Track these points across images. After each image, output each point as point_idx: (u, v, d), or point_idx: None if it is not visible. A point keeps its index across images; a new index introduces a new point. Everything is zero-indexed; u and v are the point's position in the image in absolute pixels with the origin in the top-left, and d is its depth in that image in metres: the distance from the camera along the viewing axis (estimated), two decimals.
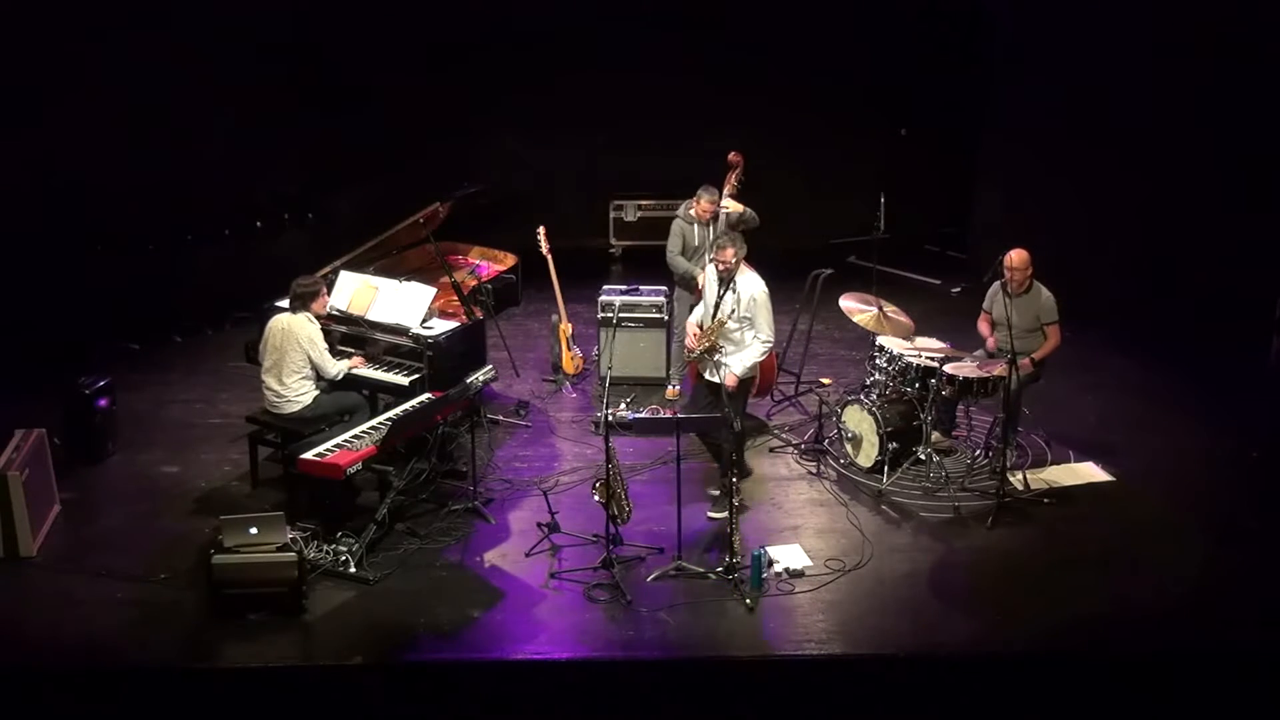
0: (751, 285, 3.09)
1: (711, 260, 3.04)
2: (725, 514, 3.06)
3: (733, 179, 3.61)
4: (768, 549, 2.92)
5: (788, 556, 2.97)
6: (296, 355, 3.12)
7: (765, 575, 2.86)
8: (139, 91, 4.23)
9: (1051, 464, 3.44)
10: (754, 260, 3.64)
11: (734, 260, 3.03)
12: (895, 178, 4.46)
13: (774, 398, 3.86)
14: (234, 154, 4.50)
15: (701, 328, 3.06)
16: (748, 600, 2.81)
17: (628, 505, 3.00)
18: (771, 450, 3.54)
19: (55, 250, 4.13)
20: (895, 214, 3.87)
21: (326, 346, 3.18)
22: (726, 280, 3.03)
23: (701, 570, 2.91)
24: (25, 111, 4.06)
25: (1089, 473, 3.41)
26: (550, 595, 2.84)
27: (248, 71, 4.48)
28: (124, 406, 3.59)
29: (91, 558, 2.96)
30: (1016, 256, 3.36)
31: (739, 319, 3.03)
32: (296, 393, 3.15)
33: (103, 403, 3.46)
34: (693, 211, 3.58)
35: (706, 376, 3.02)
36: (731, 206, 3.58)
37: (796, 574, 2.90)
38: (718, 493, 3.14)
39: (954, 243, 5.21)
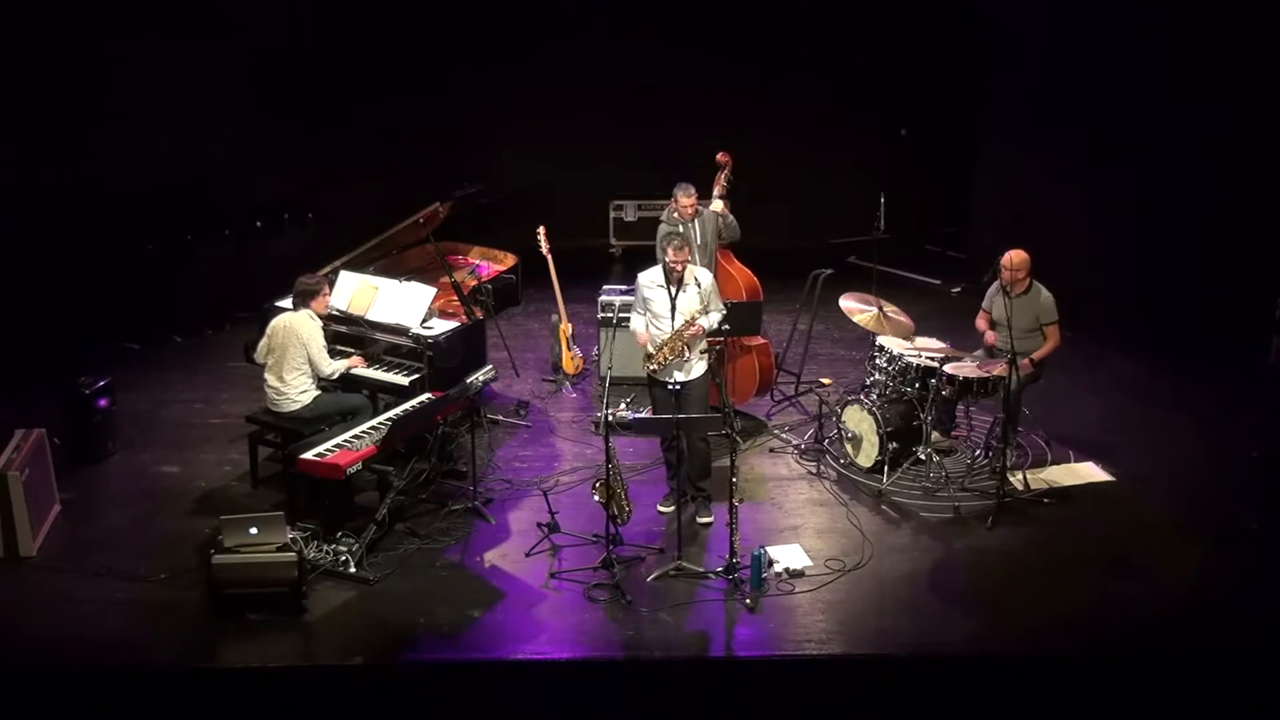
0: (704, 274, 3.06)
1: (669, 262, 2.94)
2: (712, 517, 3.09)
3: (722, 179, 3.59)
4: (768, 549, 2.92)
5: (788, 556, 2.97)
6: (296, 352, 3.12)
7: (765, 575, 2.86)
8: (139, 92, 4.22)
9: (1051, 464, 3.44)
10: (754, 260, 3.68)
11: (688, 258, 2.98)
12: (895, 178, 4.46)
13: (774, 397, 3.86)
14: (234, 154, 4.50)
15: (660, 342, 2.97)
16: (748, 600, 2.81)
17: (628, 505, 3.00)
18: (771, 450, 3.55)
19: (56, 250, 4.11)
20: (895, 214, 3.87)
21: (325, 345, 3.17)
22: (679, 280, 2.97)
23: (701, 570, 2.91)
24: (26, 112, 4.05)
25: (1089, 473, 3.41)
26: (550, 595, 2.84)
27: (248, 71, 4.48)
28: (124, 406, 3.59)
29: (91, 558, 2.96)
30: (1015, 257, 3.36)
31: (704, 310, 2.98)
32: (297, 390, 3.15)
33: (103, 403, 3.46)
34: (675, 215, 3.50)
35: (672, 379, 2.94)
36: (718, 207, 3.53)
37: (796, 574, 2.90)
38: (704, 495, 3.14)
39: (954, 243, 5.21)
